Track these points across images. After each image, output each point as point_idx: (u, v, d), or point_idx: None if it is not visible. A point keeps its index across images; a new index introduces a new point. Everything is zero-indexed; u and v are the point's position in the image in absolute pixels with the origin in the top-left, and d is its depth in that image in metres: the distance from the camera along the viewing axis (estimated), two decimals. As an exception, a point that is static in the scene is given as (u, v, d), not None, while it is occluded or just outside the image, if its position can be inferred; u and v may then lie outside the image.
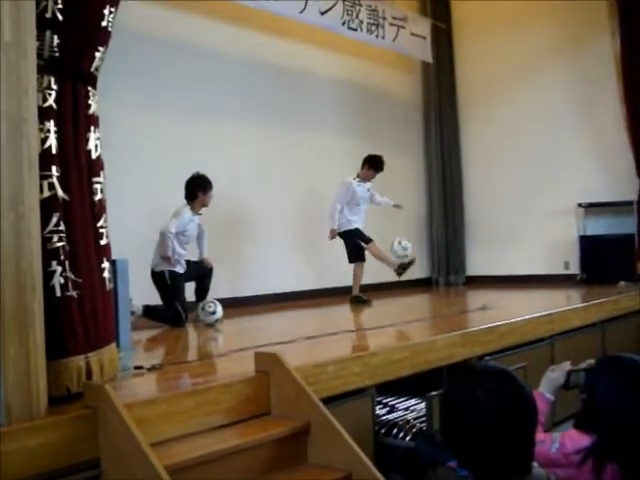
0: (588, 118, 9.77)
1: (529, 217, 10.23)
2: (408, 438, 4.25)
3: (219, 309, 6.20)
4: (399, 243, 7.59)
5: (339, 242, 7.73)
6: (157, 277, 6.30)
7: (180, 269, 6.32)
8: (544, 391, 2.93)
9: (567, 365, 2.94)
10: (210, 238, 7.05)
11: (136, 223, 6.63)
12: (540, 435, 2.13)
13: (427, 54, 9.97)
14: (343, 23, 8.40)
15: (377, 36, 8.92)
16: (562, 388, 2.91)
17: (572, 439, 2.61)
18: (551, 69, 10.02)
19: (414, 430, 4.30)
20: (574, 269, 9.76)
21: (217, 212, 7.71)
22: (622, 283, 8.87)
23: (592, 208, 9.72)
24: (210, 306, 6.20)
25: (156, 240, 6.31)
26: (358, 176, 7.80)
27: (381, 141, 9.80)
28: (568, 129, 9.89)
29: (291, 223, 8.64)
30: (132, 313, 5.43)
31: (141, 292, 5.70)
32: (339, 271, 8.12)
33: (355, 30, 8.58)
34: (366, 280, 8.08)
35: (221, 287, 7.62)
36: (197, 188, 6.46)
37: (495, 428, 1.86)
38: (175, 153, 7.33)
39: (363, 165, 7.78)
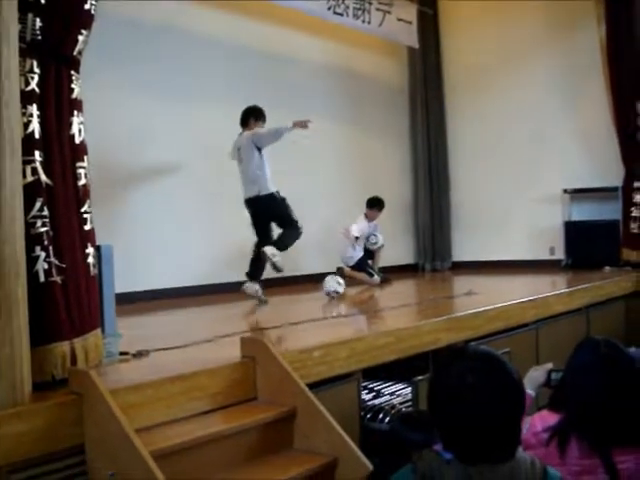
0: (574, 104, 9.79)
1: (515, 203, 10.26)
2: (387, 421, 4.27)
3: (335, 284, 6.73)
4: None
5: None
6: (267, 201, 6.51)
7: None
8: (526, 388, 2.97)
9: (549, 365, 3.01)
10: (198, 220, 7.10)
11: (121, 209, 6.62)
12: None
13: (413, 39, 9.94)
14: (329, 8, 8.35)
15: (363, 21, 8.88)
16: (544, 386, 2.96)
17: (542, 418, 2.65)
18: (537, 55, 10.04)
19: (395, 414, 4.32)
20: (559, 255, 9.81)
21: (200, 194, 7.71)
22: (607, 268, 8.92)
23: (577, 194, 9.76)
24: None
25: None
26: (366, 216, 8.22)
27: (367, 126, 9.81)
28: (554, 115, 9.92)
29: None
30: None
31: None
32: (318, 259, 8.10)
33: (341, 15, 8.54)
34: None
35: (211, 273, 7.66)
36: (250, 115, 6.75)
37: (483, 413, 1.88)
38: (158, 137, 7.29)
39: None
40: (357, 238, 8.21)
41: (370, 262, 8.55)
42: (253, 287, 6.62)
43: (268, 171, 6.67)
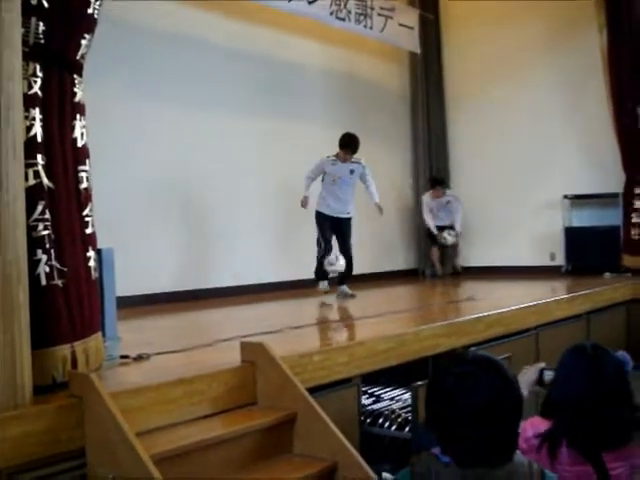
0: (575, 110, 9.80)
1: (515, 209, 10.27)
2: (393, 428, 4.27)
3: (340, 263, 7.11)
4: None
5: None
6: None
7: None
8: None
9: (541, 364, 3.03)
10: (192, 228, 7.13)
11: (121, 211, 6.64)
12: None
13: (415, 45, 9.97)
14: (331, 13, 8.37)
15: (365, 26, 8.90)
16: (537, 384, 2.96)
17: (533, 425, 2.66)
18: (539, 61, 10.05)
19: (399, 420, 4.32)
20: (560, 260, 9.82)
21: (200, 200, 7.74)
22: (607, 274, 8.92)
23: (578, 200, 9.78)
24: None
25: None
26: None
27: (368, 131, 9.77)
28: (555, 121, 9.93)
29: (274, 213, 8.61)
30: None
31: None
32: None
33: (343, 20, 8.56)
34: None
35: (200, 277, 7.67)
36: (339, 143, 7.27)
37: (481, 416, 1.88)
38: (159, 142, 7.31)
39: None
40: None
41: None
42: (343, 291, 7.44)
43: (323, 193, 7.40)
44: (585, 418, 2.48)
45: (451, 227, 9.98)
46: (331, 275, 7.30)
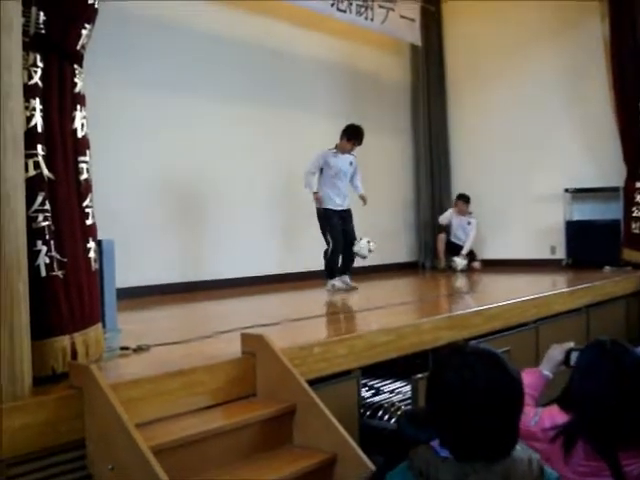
0: (576, 103, 9.79)
1: (516, 201, 10.27)
2: (393, 420, 4.27)
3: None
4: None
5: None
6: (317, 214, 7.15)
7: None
8: (542, 368, 2.97)
9: (569, 344, 2.98)
10: (192, 219, 7.27)
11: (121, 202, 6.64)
12: (526, 407, 2.16)
13: (416, 37, 9.95)
14: (332, 4, 8.36)
15: (366, 18, 8.89)
16: (563, 365, 2.94)
17: (551, 415, 2.64)
18: (540, 53, 10.03)
19: (399, 413, 4.32)
20: (560, 254, 9.82)
21: (201, 190, 7.73)
22: (607, 268, 8.92)
23: (579, 193, 9.77)
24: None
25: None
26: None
27: (369, 123, 9.73)
28: (556, 114, 9.91)
29: (274, 204, 8.59)
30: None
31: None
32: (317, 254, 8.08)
33: (344, 12, 8.54)
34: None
35: (201, 269, 7.66)
36: (343, 133, 7.15)
37: (479, 409, 1.87)
38: (159, 133, 7.28)
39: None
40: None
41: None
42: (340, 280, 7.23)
43: (324, 189, 7.15)
44: (604, 416, 2.46)
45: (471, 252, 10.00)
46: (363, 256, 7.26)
